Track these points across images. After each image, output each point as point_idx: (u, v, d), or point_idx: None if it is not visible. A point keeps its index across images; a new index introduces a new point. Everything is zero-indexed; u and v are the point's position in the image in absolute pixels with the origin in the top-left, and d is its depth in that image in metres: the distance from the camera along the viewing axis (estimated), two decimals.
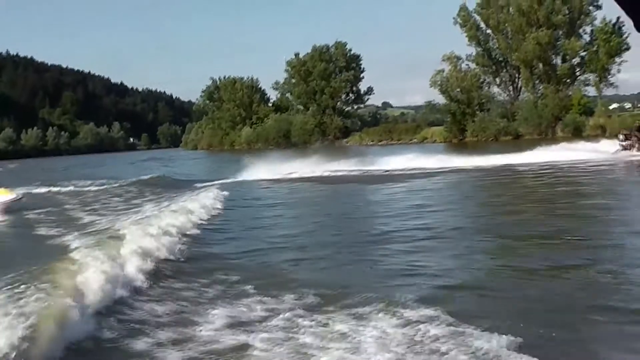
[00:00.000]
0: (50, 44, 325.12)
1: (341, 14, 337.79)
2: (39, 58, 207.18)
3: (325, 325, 7.46)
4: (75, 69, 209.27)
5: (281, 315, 7.93)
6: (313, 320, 7.67)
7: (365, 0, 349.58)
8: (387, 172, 33.89)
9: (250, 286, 9.67)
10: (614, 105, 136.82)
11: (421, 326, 7.14)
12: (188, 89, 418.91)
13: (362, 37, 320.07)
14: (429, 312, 7.65)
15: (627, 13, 0.79)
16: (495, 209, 18.05)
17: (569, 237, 12.41)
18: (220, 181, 33.26)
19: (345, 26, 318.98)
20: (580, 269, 9.75)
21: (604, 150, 35.50)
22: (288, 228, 16.95)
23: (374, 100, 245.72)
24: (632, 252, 10.77)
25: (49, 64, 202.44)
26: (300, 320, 7.72)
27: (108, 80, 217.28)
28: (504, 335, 6.62)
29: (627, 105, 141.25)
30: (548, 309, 7.77)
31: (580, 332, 7.04)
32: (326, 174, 34.78)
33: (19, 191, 26.53)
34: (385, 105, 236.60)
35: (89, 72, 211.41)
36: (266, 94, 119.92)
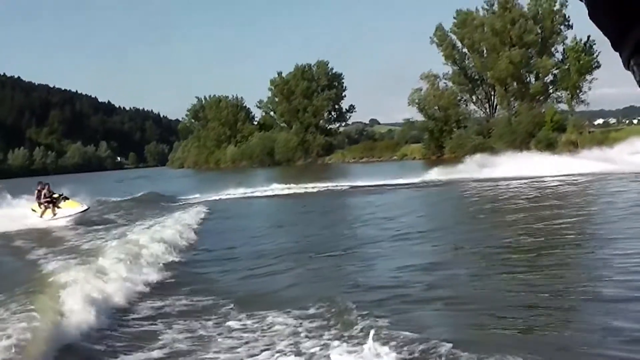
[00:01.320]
0: (37, 63, 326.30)
1: (329, 30, 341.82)
2: (26, 77, 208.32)
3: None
4: (63, 88, 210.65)
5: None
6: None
7: (352, 17, 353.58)
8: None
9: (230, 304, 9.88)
10: (599, 121, 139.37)
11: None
12: (176, 107, 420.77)
13: (350, 55, 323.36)
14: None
15: (604, 33, 0.76)
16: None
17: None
18: (202, 198, 34.99)
19: (333, 43, 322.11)
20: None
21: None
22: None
23: (362, 117, 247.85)
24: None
25: (36, 83, 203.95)
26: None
27: (95, 99, 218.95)
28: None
29: (612, 120, 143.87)
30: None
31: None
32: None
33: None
34: (373, 122, 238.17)
35: (76, 91, 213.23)
36: (251, 112, 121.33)
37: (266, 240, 17.23)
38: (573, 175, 30.76)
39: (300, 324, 8.24)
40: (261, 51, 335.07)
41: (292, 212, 26.77)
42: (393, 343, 6.90)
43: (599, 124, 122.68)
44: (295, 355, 7.07)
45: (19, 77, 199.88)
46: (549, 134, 69.07)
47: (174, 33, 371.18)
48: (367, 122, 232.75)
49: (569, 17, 71.48)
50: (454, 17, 76.62)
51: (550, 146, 68.26)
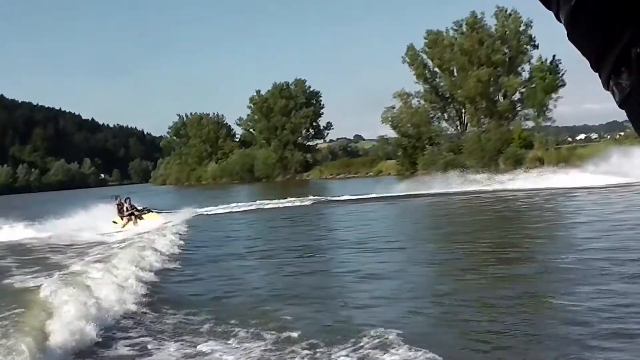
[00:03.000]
0: (20, 81, 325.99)
1: (312, 47, 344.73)
2: (9, 95, 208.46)
3: None
4: (46, 105, 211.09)
5: None
6: None
7: (335, 33, 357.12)
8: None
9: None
10: (582, 136, 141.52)
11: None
12: (159, 124, 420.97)
13: (335, 71, 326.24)
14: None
15: (583, 53, 0.69)
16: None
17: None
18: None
19: (317, 59, 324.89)
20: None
21: None
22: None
23: (346, 134, 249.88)
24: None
25: (20, 101, 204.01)
26: None
27: (79, 116, 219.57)
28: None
29: (594, 135, 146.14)
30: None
31: None
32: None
33: None
34: (358, 138, 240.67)
35: (60, 109, 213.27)
36: (232, 130, 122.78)
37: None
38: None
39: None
40: (243, 69, 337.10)
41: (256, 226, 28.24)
42: None
43: (580, 139, 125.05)
44: None
45: (1, 95, 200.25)
46: (517, 151, 71.03)
47: (158, 51, 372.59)
48: (352, 137, 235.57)
49: (534, 37, 73.76)
50: (425, 38, 78.63)
51: (517, 162, 70.23)
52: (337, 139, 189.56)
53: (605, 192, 29.41)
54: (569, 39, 0.69)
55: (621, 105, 0.68)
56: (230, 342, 8.77)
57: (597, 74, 0.68)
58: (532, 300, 10.23)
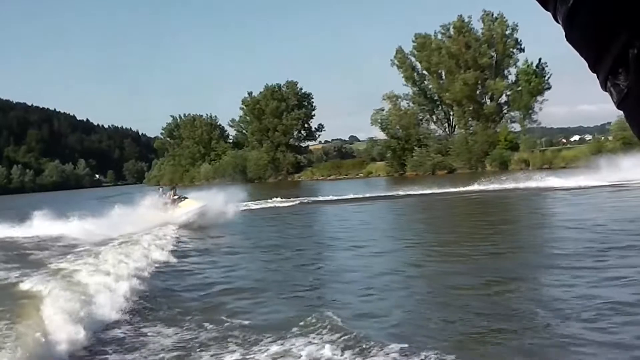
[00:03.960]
0: (15, 82, 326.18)
1: (307, 47, 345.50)
2: (3, 96, 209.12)
3: None
4: (41, 106, 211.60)
5: None
6: None
7: (332, 35, 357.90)
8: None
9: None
10: (576, 137, 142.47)
11: None
12: (154, 125, 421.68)
13: (332, 73, 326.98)
14: None
15: (581, 54, 0.68)
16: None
17: None
18: None
19: (313, 60, 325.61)
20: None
21: None
22: None
23: (342, 134, 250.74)
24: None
25: (14, 101, 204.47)
26: None
27: (74, 117, 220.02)
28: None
29: (588, 137, 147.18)
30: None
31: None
32: None
33: None
34: (353, 139, 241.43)
35: (55, 110, 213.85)
36: (225, 131, 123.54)
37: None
38: None
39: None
40: (239, 70, 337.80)
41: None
42: None
43: (575, 140, 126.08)
44: None
45: None
46: (503, 153, 72.19)
47: (154, 52, 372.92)
48: (347, 138, 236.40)
49: (520, 40, 75.03)
50: (413, 41, 79.81)
51: (503, 164, 71.48)
52: (332, 139, 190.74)
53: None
54: (567, 40, 0.65)
55: (619, 106, 0.63)
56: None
57: (593, 75, 0.61)
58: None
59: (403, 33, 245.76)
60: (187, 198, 28.92)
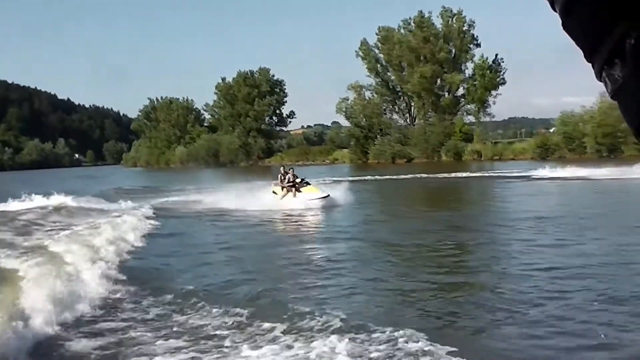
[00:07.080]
0: None
1: (289, 31, 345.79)
2: None
3: None
4: (22, 84, 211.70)
5: None
6: None
7: (315, 20, 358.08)
8: None
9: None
10: (555, 129, 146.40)
11: None
12: (135, 106, 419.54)
13: (315, 57, 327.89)
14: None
15: (577, 43, 0.63)
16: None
17: None
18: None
19: (294, 44, 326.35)
20: None
21: None
22: None
23: (324, 120, 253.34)
24: None
25: None
26: None
27: (55, 96, 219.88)
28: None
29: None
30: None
31: None
32: None
33: None
34: (335, 124, 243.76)
35: (35, 88, 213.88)
36: (202, 115, 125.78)
37: None
38: None
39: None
40: (224, 55, 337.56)
41: None
42: None
43: (554, 131, 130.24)
44: None
45: None
46: (458, 144, 75.90)
47: (138, 33, 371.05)
48: (330, 124, 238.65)
49: (477, 36, 78.36)
50: (377, 33, 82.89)
51: (457, 155, 75.25)
52: (315, 124, 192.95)
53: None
54: (564, 29, 0.58)
55: (613, 96, 0.58)
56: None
57: (582, 69, 0.53)
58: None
59: (383, 20, 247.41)
60: (309, 184, 26.46)
